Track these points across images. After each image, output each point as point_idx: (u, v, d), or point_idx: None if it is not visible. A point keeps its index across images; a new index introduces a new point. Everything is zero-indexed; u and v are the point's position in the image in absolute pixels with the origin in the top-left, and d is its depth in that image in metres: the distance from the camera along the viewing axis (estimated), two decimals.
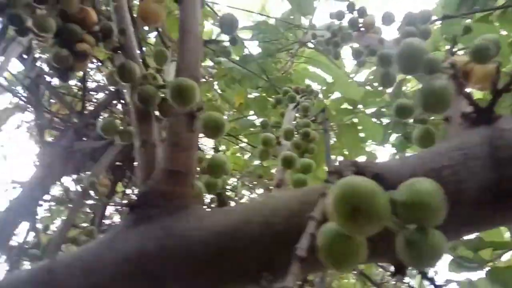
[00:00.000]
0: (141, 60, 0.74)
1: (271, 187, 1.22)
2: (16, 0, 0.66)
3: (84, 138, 1.82)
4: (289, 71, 2.98)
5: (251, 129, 2.49)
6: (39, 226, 2.02)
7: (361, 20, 1.07)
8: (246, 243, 0.47)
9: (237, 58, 2.76)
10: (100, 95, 2.58)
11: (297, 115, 1.35)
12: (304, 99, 1.54)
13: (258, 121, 2.61)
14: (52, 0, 0.62)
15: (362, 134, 1.55)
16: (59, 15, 0.66)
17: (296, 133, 1.17)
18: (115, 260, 0.51)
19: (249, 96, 2.84)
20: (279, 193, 0.83)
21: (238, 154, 3.06)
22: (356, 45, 1.16)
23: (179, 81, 0.51)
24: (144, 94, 0.61)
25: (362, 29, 1.08)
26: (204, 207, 0.64)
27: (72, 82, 2.84)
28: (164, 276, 0.50)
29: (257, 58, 2.67)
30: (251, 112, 3.01)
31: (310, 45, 2.58)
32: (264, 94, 2.72)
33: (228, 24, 0.63)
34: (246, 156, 2.96)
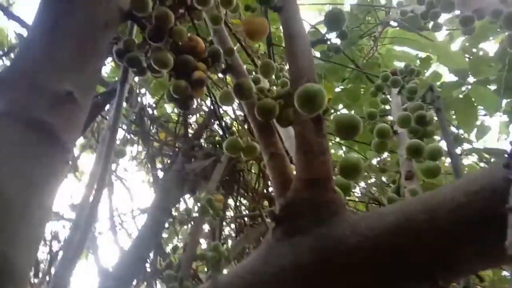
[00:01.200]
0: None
1: (390, 183, 1.16)
2: (133, 43, 0.72)
3: (192, 160, 1.93)
4: (374, 55, 2.86)
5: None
6: (166, 247, 2.17)
7: None
8: (409, 243, 0.44)
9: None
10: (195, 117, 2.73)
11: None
12: (406, 80, 1.46)
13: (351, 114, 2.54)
14: (167, 34, 0.66)
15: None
16: (172, 49, 0.70)
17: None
18: (273, 275, 0.51)
19: (336, 90, 2.77)
20: (435, 188, 0.78)
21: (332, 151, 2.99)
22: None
23: (306, 89, 0.50)
24: (264, 108, 0.62)
25: None
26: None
27: (169, 109, 3.05)
28: (324, 286, 0.49)
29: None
30: (340, 106, 2.94)
31: (392, 24, 2.45)
32: (352, 84, 2.64)
33: (335, 20, 0.61)
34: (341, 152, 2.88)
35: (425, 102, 1.27)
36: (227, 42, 0.77)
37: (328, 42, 0.70)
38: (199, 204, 1.53)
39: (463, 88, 1.38)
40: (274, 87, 0.66)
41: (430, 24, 1.16)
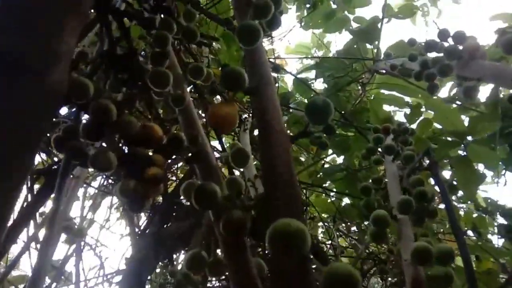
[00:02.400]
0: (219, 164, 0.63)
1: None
2: (75, 129, 0.58)
3: (170, 221, 1.77)
4: (362, 100, 2.79)
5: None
6: None
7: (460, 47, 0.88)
8: None
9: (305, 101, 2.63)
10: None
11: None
12: (398, 139, 1.34)
13: (341, 163, 2.41)
14: (109, 130, 0.53)
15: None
16: (120, 141, 0.57)
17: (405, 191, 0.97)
18: None
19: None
20: None
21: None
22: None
23: (281, 228, 0.37)
24: (230, 223, 0.48)
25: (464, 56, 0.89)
26: None
27: None
28: None
29: (326, 96, 2.52)
30: (330, 151, 2.83)
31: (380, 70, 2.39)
32: (343, 132, 2.54)
33: (319, 112, 0.49)
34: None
35: (422, 167, 1.15)
36: (193, 125, 0.64)
37: (315, 134, 0.57)
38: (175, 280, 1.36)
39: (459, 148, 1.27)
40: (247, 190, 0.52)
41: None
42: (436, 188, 1.12)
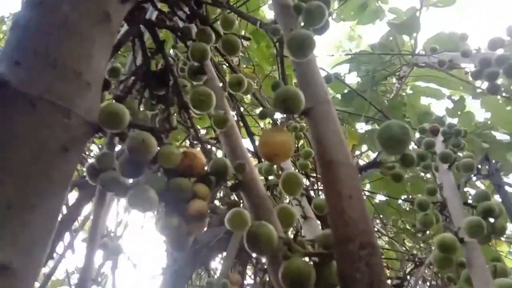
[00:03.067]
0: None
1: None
2: (109, 158, 0.53)
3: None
4: (399, 94, 2.67)
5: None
6: None
7: None
8: None
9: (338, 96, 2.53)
10: None
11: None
12: (450, 142, 1.23)
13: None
14: (149, 165, 0.47)
15: None
16: (162, 172, 0.50)
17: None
18: None
19: (360, 130, 2.56)
20: None
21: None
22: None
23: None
24: (294, 275, 0.41)
25: None
26: None
27: None
28: None
29: (362, 90, 2.41)
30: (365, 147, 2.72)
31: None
32: (377, 127, 2.42)
33: (396, 140, 0.41)
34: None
35: (480, 174, 1.05)
36: (239, 152, 0.57)
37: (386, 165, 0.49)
38: None
39: None
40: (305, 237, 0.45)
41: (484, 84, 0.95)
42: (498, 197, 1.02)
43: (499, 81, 0.96)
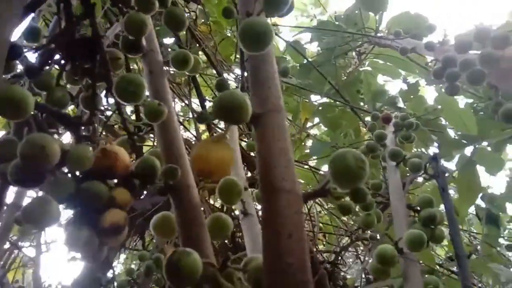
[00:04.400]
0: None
1: None
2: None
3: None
4: (357, 70, 2.65)
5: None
6: None
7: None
8: None
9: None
10: None
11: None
12: (400, 134, 1.22)
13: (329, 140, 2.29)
14: (51, 170, 0.38)
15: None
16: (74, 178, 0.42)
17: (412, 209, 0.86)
18: None
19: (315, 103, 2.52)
20: None
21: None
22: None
23: None
24: None
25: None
26: None
27: None
28: None
29: (319, 64, 2.35)
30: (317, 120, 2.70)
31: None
32: (331, 101, 2.39)
33: (350, 175, 0.35)
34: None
35: (427, 174, 1.04)
36: (175, 149, 0.49)
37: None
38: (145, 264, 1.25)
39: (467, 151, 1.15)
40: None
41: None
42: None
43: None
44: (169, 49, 1.77)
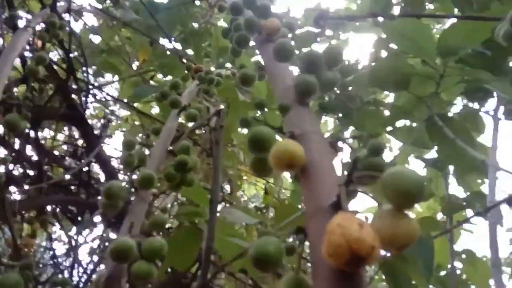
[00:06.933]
0: None
1: None
2: None
3: None
4: (209, 22, 2.63)
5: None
6: None
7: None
8: None
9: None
10: None
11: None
12: (201, 87, 1.27)
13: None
14: None
15: None
16: None
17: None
18: None
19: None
20: None
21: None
22: None
23: None
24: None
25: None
26: None
27: None
28: None
29: (169, 7, 2.28)
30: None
31: None
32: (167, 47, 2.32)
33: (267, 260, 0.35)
34: None
35: (209, 126, 1.10)
36: None
37: None
38: None
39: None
40: None
41: None
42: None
43: None
44: None
